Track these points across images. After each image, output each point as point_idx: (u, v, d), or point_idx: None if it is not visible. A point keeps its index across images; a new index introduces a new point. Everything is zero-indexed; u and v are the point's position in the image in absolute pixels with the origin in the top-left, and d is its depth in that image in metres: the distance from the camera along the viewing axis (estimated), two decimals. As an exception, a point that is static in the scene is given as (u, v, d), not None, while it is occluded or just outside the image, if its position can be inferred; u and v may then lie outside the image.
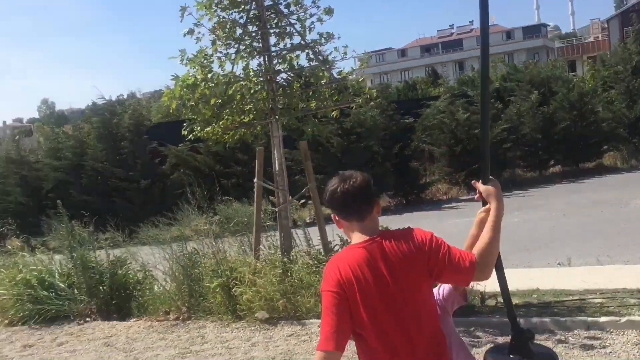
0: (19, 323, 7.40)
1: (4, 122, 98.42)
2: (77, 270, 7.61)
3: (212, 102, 6.53)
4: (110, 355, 5.86)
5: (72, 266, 7.69)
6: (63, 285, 7.54)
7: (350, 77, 7.19)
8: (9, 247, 9.76)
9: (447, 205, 15.26)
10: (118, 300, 7.48)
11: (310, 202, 8.25)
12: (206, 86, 6.59)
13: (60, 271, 7.82)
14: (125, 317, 7.26)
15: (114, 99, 31.96)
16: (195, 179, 15.76)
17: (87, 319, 7.24)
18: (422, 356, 2.15)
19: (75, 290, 7.54)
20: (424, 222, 10.77)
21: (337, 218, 2.31)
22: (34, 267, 7.83)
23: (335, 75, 6.85)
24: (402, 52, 71.54)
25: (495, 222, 2.23)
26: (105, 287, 7.50)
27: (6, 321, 7.48)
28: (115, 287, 7.55)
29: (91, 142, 19.01)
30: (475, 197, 2.44)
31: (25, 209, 18.64)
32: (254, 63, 6.92)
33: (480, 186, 2.37)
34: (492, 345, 2.72)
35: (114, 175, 17.85)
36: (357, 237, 2.23)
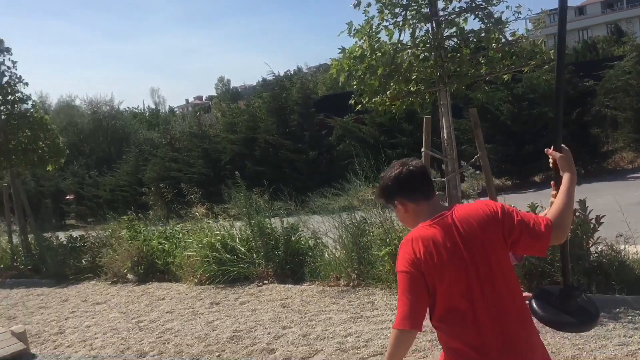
0: (206, 282, 8.10)
1: (187, 100, 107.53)
2: (255, 235, 8.16)
3: (379, 72, 6.53)
4: (286, 316, 6.22)
5: (250, 232, 8.25)
6: (243, 249, 8.11)
7: (524, 39, 6.77)
8: (196, 213, 10.67)
9: (632, 175, 13.93)
10: (292, 265, 7.90)
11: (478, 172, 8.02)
12: (373, 57, 6.60)
13: (240, 236, 8.42)
14: (298, 281, 7.65)
15: (282, 74, 33.13)
16: (361, 149, 16.04)
17: (265, 282, 7.73)
18: (514, 319, 2.15)
19: (254, 254, 8.08)
20: (606, 193, 9.94)
21: (402, 204, 2.32)
22: (218, 232, 8.52)
23: (508, 38, 6.49)
24: (580, 10, 65.88)
25: (569, 189, 2.25)
26: (280, 252, 7.96)
27: (195, 280, 8.23)
28: (289, 252, 7.97)
29: (262, 116, 20.06)
30: (551, 164, 2.39)
31: (207, 179, 20.26)
32: (421, 30, 6.79)
33: (554, 154, 2.34)
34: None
35: (284, 147, 18.71)
36: (426, 217, 2.25)
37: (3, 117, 11.85)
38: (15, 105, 12.05)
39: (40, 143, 12.16)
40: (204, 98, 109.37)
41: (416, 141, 16.17)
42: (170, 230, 9.85)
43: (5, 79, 12.01)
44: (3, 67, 12.04)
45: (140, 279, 9.07)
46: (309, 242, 8.27)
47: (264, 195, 9.10)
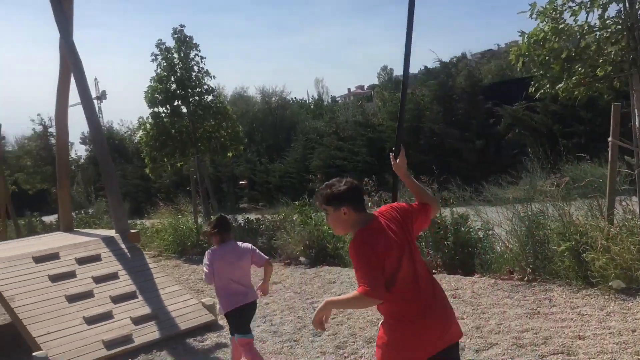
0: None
1: (348, 90, 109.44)
2: (424, 225, 8.13)
3: (563, 55, 6.17)
4: (458, 307, 6.14)
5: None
6: (412, 238, 8.12)
7: None
8: (368, 203, 10.87)
9: None
10: (461, 256, 7.77)
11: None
12: (556, 40, 6.25)
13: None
14: (468, 272, 7.51)
15: (445, 61, 32.42)
16: (533, 138, 15.25)
17: (434, 271, 7.69)
18: (437, 285, 2.94)
19: (423, 243, 8.06)
20: None
21: (347, 211, 2.86)
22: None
23: None
24: None
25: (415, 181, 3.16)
26: (449, 243, 7.87)
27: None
28: (459, 243, 7.85)
29: (427, 105, 19.86)
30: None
31: (371, 167, 20.56)
32: (611, 10, 6.29)
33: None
34: None
35: (450, 136, 18.39)
36: (362, 222, 2.85)
37: (191, 107, 13.01)
38: (202, 97, 13.17)
39: (222, 131, 13.18)
40: (365, 87, 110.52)
41: (595, 130, 15.03)
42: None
43: (194, 73, 13.17)
44: (193, 62, 13.21)
45: (312, 262, 9.48)
46: (479, 233, 8.07)
47: (433, 184, 9.04)
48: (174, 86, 12.97)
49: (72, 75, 8.56)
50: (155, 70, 13.05)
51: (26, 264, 6.85)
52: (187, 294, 7.04)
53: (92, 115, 8.20)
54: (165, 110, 13.10)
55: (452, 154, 18.30)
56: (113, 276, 6.94)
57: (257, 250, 5.01)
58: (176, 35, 13.20)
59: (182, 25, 13.20)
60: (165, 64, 13.06)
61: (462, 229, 8.02)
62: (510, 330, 5.29)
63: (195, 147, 12.89)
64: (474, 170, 16.71)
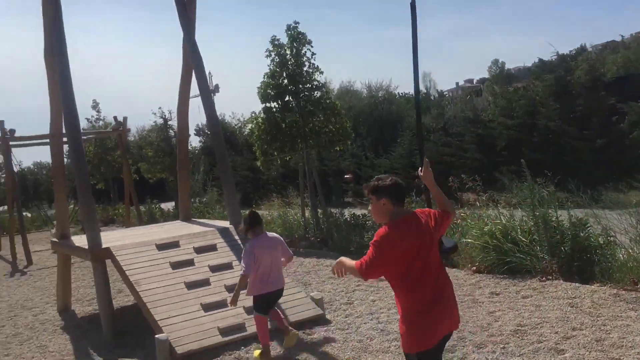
0: (485, 271, 8.06)
1: (457, 84, 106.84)
2: (539, 228, 7.82)
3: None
4: (575, 317, 5.87)
5: (533, 224, 7.94)
6: (525, 241, 7.84)
7: None
8: (476, 202, 10.60)
9: None
10: (579, 262, 7.40)
11: None
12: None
13: (521, 227, 8.15)
14: (587, 280, 7.14)
15: (563, 53, 30.81)
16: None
17: (549, 277, 7.39)
18: (447, 279, 3.45)
19: (537, 247, 7.76)
20: None
21: (386, 202, 3.36)
22: (498, 221, 8.38)
23: None
24: None
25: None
26: (566, 248, 7.51)
27: (473, 268, 8.25)
28: (577, 248, 7.47)
29: (543, 100, 18.99)
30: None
31: (480, 165, 20.00)
32: None
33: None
34: None
35: (566, 134, 17.50)
36: (396, 214, 3.35)
37: (301, 103, 13.26)
38: (312, 93, 13.39)
39: (330, 126, 13.32)
40: (474, 81, 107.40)
41: None
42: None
43: (305, 69, 13.40)
44: (304, 58, 13.44)
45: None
46: (599, 239, 7.64)
47: (549, 186, 8.66)
48: (285, 82, 13.27)
49: (193, 74, 9.02)
50: (268, 66, 13.42)
51: (150, 250, 7.32)
52: (296, 287, 7.22)
53: (211, 112, 8.59)
54: (277, 105, 13.44)
55: (569, 153, 17.40)
56: (227, 266, 7.25)
57: (284, 242, 5.93)
58: (290, 32, 13.49)
59: (296, 22, 13.45)
60: (278, 60, 13.39)
61: (581, 234, 7.63)
62: (635, 346, 4.98)
63: (305, 142, 13.13)
64: (593, 172, 15.83)
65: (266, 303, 5.77)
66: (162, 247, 7.41)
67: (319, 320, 6.72)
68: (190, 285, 6.78)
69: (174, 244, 7.52)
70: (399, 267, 3.28)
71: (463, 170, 20.65)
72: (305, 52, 13.52)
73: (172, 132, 20.78)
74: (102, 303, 7.12)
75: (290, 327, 5.94)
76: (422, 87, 77.12)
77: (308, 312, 6.71)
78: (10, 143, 15.81)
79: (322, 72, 13.45)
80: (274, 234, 5.91)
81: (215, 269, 7.15)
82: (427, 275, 3.30)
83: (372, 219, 12.02)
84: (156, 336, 5.91)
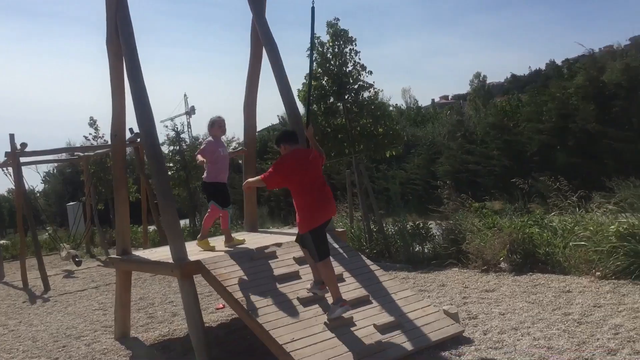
0: (613, 277, 7.15)
1: (432, 100, 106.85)
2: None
3: None
4: None
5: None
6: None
7: None
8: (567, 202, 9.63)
9: None
10: None
11: None
12: None
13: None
14: None
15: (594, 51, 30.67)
16: None
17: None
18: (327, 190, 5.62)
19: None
20: None
21: (287, 146, 5.67)
22: (624, 220, 7.48)
23: None
24: None
25: None
26: None
27: (597, 273, 7.31)
28: None
29: (575, 102, 18.34)
30: None
31: (509, 172, 19.22)
32: None
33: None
34: None
35: (607, 136, 16.81)
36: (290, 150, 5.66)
37: (347, 105, 12.31)
38: (359, 93, 12.45)
39: (381, 129, 12.36)
40: (449, 97, 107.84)
41: None
42: (537, 219, 9.09)
43: (349, 69, 12.48)
44: (347, 57, 12.53)
45: (517, 269, 8.44)
46: None
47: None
48: (328, 82, 12.34)
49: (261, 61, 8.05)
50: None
51: (246, 263, 6.24)
52: (423, 300, 6.19)
53: (290, 101, 7.58)
54: (320, 109, 12.48)
55: (611, 156, 16.67)
56: (338, 278, 6.20)
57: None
58: (331, 30, 12.59)
59: (336, 19, 12.56)
60: (319, 59, 12.46)
61: None
62: None
63: (352, 147, 12.16)
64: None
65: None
66: (258, 259, 6.34)
67: (460, 339, 5.69)
68: (305, 302, 5.72)
69: (271, 255, 6.45)
70: (292, 178, 5.48)
71: (490, 178, 20.02)
72: (349, 50, 12.62)
73: (184, 146, 19.66)
74: (194, 326, 6.00)
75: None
76: (402, 102, 76.66)
77: (447, 329, 5.66)
78: (21, 159, 14.54)
79: (370, 72, 12.52)
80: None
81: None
82: (313, 184, 5.47)
83: (433, 228, 11.11)
84: (288, 364, 4.84)
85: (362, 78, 12.58)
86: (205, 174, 7.19)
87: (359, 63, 12.60)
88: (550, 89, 19.74)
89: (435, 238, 10.98)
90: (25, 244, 15.46)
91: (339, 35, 12.62)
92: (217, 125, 7.24)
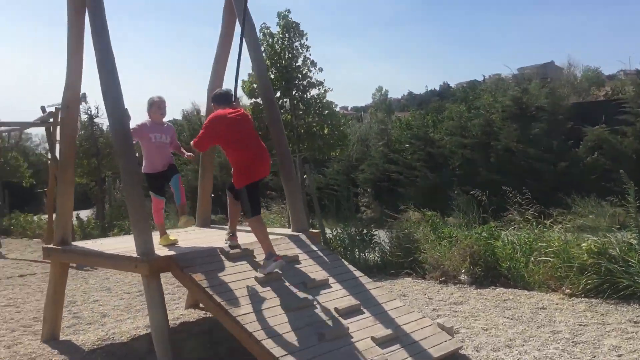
0: (581, 295, 7.10)
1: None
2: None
3: None
4: None
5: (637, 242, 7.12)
6: (634, 261, 6.96)
7: None
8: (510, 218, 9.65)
9: None
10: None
11: None
12: None
13: (620, 246, 7.27)
14: None
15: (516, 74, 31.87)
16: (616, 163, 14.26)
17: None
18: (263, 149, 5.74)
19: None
20: None
21: (217, 105, 5.93)
22: (593, 238, 7.47)
23: None
24: None
25: None
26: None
27: (567, 291, 7.24)
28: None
29: (498, 121, 18.81)
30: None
31: (432, 184, 19.41)
32: None
33: None
34: None
35: (528, 156, 17.35)
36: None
37: (294, 101, 11.77)
38: (307, 90, 11.94)
39: (327, 129, 11.91)
40: (349, 108, 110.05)
41: None
42: (493, 232, 8.97)
43: (298, 63, 11.95)
44: (297, 51, 11.99)
45: (478, 282, 8.25)
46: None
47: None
48: (277, 76, 11.71)
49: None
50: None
51: (220, 262, 5.52)
52: (414, 312, 5.74)
53: (261, 71, 6.91)
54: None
55: (531, 175, 17.17)
56: (324, 283, 5.64)
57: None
58: (282, 21, 11.98)
59: (287, 10, 12.00)
60: (269, 50, 11.81)
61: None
62: None
63: (297, 145, 11.61)
64: (557, 194, 15.66)
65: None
66: (234, 258, 5.64)
67: (458, 356, 5.31)
68: (294, 309, 5.10)
69: (247, 254, 5.77)
70: (223, 138, 5.61)
71: (413, 188, 20.13)
72: (299, 45, 12.08)
73: (98, 130, 18.17)
74: (159, 331, 5.19)
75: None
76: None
77: (446, 344, 5.23)
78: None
79: (320, 70, 12.04)
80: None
81: (311, 286, 5.50)
82: (248, 143, 5.60)
83: (377, 235, 10.78)
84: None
85: (311, 75, 12.09)
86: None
87: (309, 59, 12.11)
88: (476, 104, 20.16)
89: (378, 245, 10.66)
90: None
91: (290, 28, 12.08)
92: (155, 107, 6.19)
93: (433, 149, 20.37)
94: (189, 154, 6.66)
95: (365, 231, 10.90)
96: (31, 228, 19.57)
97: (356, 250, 10.63)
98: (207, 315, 7.56)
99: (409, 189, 20.04)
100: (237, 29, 7.01)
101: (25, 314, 8.15)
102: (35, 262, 13.35)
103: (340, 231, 11.00)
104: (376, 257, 10.35)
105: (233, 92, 6.04)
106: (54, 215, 15.40)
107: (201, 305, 8.01)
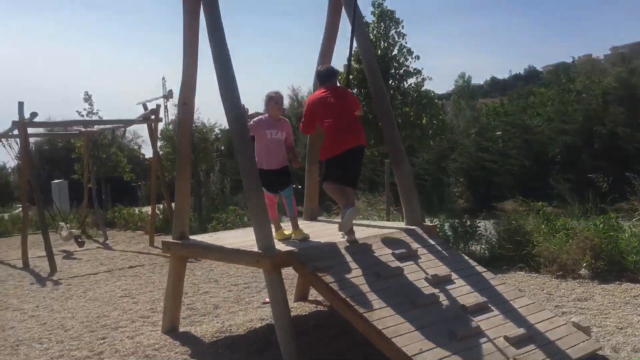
0: None
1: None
2: None
3: None
4: None
5: None
6: None
7: None
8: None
9: None
10: None
11: None
12: None
13: None
14: None
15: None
16: None
17: None
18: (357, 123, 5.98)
19: None
20: None
21: (319, 84, 6.33)
22: None
23: None
24: None
25: None
26: None
27: None
28: None
29: (601, 104, 17.78)
30: None
31: (528, 172, 18.64)
32: None
33: None
34: None
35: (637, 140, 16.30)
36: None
37: (390, 91, 11.54)
38: (403, 80, 11.68)
39: (425, 119, 11.61)
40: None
41: None
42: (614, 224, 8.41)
43: (394, 53, 11.70)
44: (392, 40, 11.73)
45: (599, 277, 7.77)
46: None
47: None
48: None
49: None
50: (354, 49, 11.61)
51: (340, 257, 5.43)
52: (546, 310, 5.43)
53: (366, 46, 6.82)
54: (362, 93, 11.67)
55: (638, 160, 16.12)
56: (447, 279, 5.44)
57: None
58: (377, 10, 11.78)
59: (382, -3, 11.76)
60: (364, 40, 11.62)
61: None
62: None
63: (395, 135, 11.36)
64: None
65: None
66: (354, 253, 5.54)
67: (597, 357, 4.97)
68: (421, 306, 4.94)
69: (366, 249, 5.66)
70: (319, 119, 5.91)
71: (508, 177, 19.40)
72: (394, 33, 11.82)
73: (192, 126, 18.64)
74: (282, 325, 5.18)
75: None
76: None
77: (584, 345, 4.89)
78: (29, 129, 13.45)
79: (417, 58, 11.73)
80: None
81: (435, 282, 5.32)
82: (335, 115, 5.79)
83: (484, 228, 10.40)
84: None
85: (407, 63, 11.81)
86: None
87: (405, 47, 11.82)
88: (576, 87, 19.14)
89: (483, 238, 10.29)
90: (28, 220, 14.37)
91: (385, 16, 11.82)
92: (273, 102, 6.08)
93: (530, 136, 19.54)
94: (297, 161, 6.51)
95: (468, 222, 10.56)
96: (133, 220, 20.42)
97: (461, 242, 10.32)
98: (317, 309, 7.55)
99: (504, 178, 19.34)
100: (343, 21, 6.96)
101: (142, 305, 8.43)
102: (141, 253, 13.91)
103: (440, 223, 10.70)
104: (484, 250, 9.98)
105: (334, 70, 6.30)
106: (157, 208, 15.93)
107: (310, 298, 8.04)
